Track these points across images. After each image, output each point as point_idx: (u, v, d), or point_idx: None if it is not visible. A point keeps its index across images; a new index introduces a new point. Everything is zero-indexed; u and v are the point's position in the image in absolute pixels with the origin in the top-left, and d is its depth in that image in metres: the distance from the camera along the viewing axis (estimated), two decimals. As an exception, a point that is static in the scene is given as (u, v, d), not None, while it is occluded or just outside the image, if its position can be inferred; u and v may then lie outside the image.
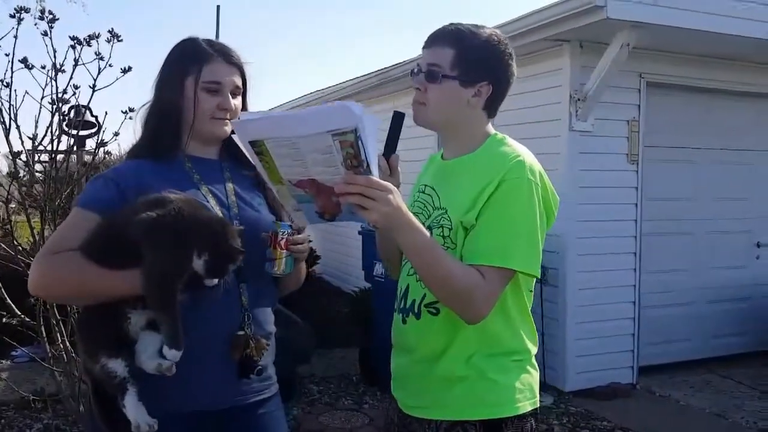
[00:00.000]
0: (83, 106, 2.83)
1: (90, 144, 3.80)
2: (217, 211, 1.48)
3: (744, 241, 5.45)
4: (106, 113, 2.69)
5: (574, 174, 4.52)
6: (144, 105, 1.58)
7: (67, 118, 2.80)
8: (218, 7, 18.34)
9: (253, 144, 1.26)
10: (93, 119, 3.99)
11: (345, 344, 5.37)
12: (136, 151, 1.55)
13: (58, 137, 2.65)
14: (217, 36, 18.80)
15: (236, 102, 1.56)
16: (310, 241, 1.65)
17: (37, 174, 2.66)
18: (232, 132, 1.26)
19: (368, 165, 1.23)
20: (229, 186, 1.55)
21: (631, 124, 4.74)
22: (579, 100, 4.44)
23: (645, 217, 4.83)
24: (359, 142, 1.19)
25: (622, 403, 4.47)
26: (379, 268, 4.46)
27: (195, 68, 1.51)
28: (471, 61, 1.46)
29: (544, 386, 4.57)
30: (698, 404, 4.44)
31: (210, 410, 1.46)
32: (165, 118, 1.52)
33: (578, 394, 4.55)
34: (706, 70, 4.91)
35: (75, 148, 3.01)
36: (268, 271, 1.48)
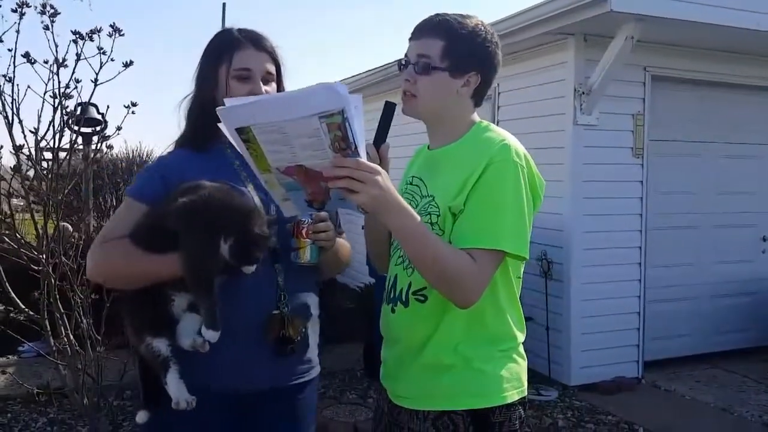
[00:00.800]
0: (89, 103, 2.84)
1: (95, 140, 3.82)
2: (255, 197, 1.51)
3: (750, 236, 5.43)
4: (108, 107, 2.70)
5: (578, 168, 4.50)
6: (186, 97, 1.62)
7: (72, 115, 2.81)
8: (224, 4, 18.33)
9: (240, 131, 1.24)
10: (99, 116, 4.01)
11: (349, 339, 5.37)
12: (180, 142, 1.61)
13: (61, 132, 2.66)
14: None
15: (268, 88, 1.57)
16: (340, 232, 1.66)
17: (40, 170, 2.67)
18: (218, 120, 1.25)
19: (356, 147, 1.22)
20: None
21: (636, 117, 4.71)
22: (583, 93, 4.42)
23: (650, 212, 4.81)
24: (346, 123, 1.17)
25: (627, 398, 4.46)
26: (383, 263, 4.45)
27: (226, 57, 1.54)
28: (460, 52, 1.46)
29: (548, 380, 4.58)
30: (704, 398, 4.42)
31: (249, 390, 1.49)
32: (204, 109, 1.55)
33: (583, 388, 4.54)
34: (712, 64, 4.88)
35: (81, 145, 3.02)
36: (294, 261, 1.51)
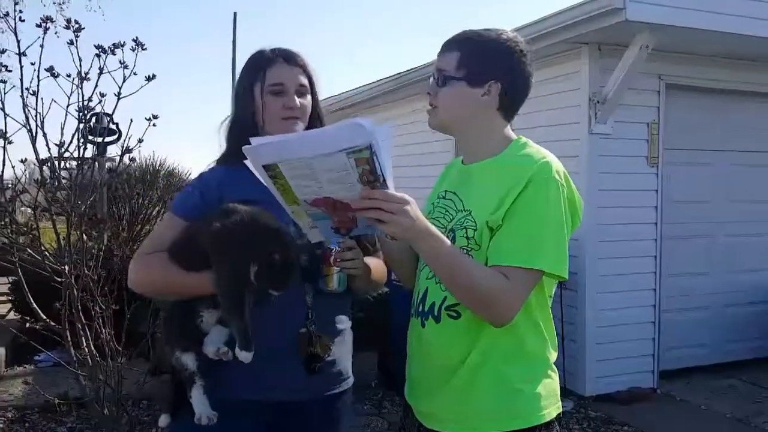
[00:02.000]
0: (105, 113, 2.87)
1: (111, 151, 3.86)
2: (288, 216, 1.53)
3: (765, 244, 5.39)
4: (131, 120, 2.72)
5: (593, 177, 4.50)
6: (226, 119, 1.69)
7: (88, 125, 2.84)
8: (235, 14, 18.44)
9: (267, 168, 1.26)
10: (114, 126, 4.04)
11: (362, 349, 5.32)
12: (220, 160, 1.66)
13: (84, 145, 2.69)
14: (234, 41, 18.76)
15: (303, 101, 1.62)
16: (377, 250, 1.68)
17: (63, 181, 2.70)
18: (244, 157, 1.28)
19: (384, 179, 1.23)
20: None
21: (651, 126, 4.71)
22: (598, 102, 4.42)
23: (665, 220, 4.80)
24: (374, 157, 1.19)
25: (643, 408, 4.43)
26: (397, 273, 4.45)
27: (260, 75, 1.60)
28: (476, 61, 1.46)
29: (564, 391, 4.53)
30: (720, 409, 4.39)
31: (277, 400, 1.52)
32: (242, 127, 1.60)
33: (598, 398, 4.52)
34: (726, 72, 4.87)
35: (96, 155, 3.05)
36: (321, 288, 1.52)
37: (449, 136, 1.65)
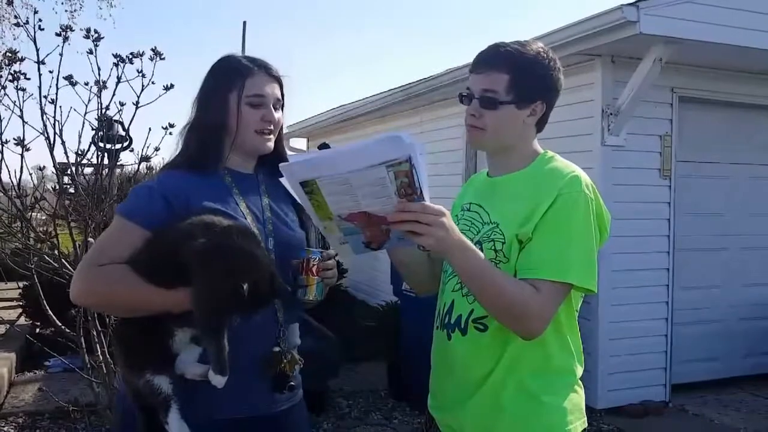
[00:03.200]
0: (115, 120, 2.89)
1: (123, 158, 3.87)
2: (248, 216, 1.50)
3: (778, 258, 5.36)
4: (150, 129, 2.74)
5: (606, 189, 4.47)
6: (187, 123, 1.58)
7: (100, 132, 2.86)
8: (244, 23, 18.54)
9: (304, 184, 1.26)
10: (124, 133, 4.06)
11: (372, 358, 5.35)
12: (176, 163, 1.55)
13: (102, 153, 2.70)
14: (243, 51, 19.01)
15: (278, 115, 1.57)
16: (340, 265, 1.65)
17: (80, 186, 2.72)
18: (280, 175, 1.27)
19: (421, 191, 1.24)
20: (265, 201, 1.56)
21: (664, 138, 4.70)
22: (611, 114, 4.42)
23: (678, 233, 4.78)
24: (413, 170, 1.20)
25: (655, 422, 4.40)
26: (408, 283, 4.44)
27: (238, 83, 1.52)
28: (525, 84, 1.46)
29: (575, 403, 4.51)
30: (732, 424, 4.35)
31: (243, 417, 1.48)
32: (208, 134, 1.53)
33: (610, 411, 4.49)
34: (739, 85, 4.86)
35: (107, 162, 3.07)
36: (300, 298, 1.49)
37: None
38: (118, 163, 3.67)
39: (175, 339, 1.37)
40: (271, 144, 1.56)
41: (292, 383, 1.52)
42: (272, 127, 1.56)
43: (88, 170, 2.78)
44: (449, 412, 1.53)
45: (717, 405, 4.69)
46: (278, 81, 1.59)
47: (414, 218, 1.25)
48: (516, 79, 1.45)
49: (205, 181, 1.50)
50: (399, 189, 1.23)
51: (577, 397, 1.48)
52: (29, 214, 2.71)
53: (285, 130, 1.70)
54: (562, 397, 1.44)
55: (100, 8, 11.90)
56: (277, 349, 1.50)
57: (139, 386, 1.36)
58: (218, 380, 1.31)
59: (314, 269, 1.47)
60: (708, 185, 5.04)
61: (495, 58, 1.47)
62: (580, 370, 1.50)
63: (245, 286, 1.28)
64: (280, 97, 1.58)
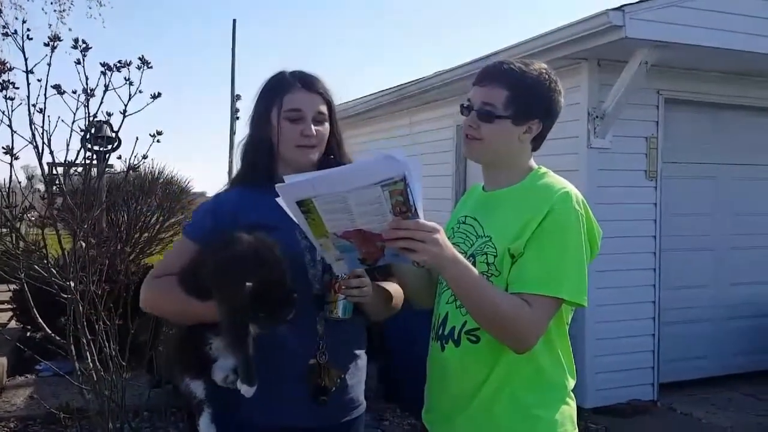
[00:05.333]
0: (104, 121, 2.90)
1: (112, 160, 3.87)
2: (303, 240, 1.51)
3: (765, 257, 5.41)
4: (137, 139, 2.76)
5: (592, 191, 4.51)
6: (242, 140, 1.68)
7: (88, 134, 2.87)
8: (234, 21, 18.46)
9: (300, 204, 1.29)
10: (113, 135, 4.06)
11: (363, 360, 5.37)
12: (236, 181, 1.66)
13: (91, 157, 2.72)
14: (233, 49, 18.67)
15: (320, 128, 1.60)
16: (391, 274, 1.64)
17: (68, 192, 2.73)
18: (276, 195, 1.30)
19: (416, 209, 1.26)
20: None
21: (650, 140, 4.74)
22: (597, 117, 4.46)
23: (664, 233, 4.83)
24: (407, 188, 1.22)
25: (643, 421, 4.44)
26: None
27: (278, 99, 1.58)
28: (523, 101, 1.49)
29: (563, 403, 4.55)
30: (720, 423, 4.40)
31: (293, 427, 1.52)
32: (258, 151, 1.61)
33: (598, 411, 4.53)
34: (725, 86, 4.91)
35: (98, 163, 3.08)
36: (326, 316, 1.52)
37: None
38: (107, 166, 3.68)
39: (211, 346, 1.47)
40: (313, 157, 1.59)
41: (325, 397, 1.52)
42: (313, 142, 1.58)
43: (77, 170, 2.79)
44: (442, 424, 1.55)
45: (705, 403, 4.74)
46: (321, 93, 1.61)
47: (409, 235, 1.27)
48: (515, 96, 1.48)
49: (260, 197, 1.54)
50: (394, 207, 1.25)
51: (569, 409, 1.50)
52: (18, 223, 2.72)
53: None
54: (554, 410, 1.46)
55: (90, 8, 11.86)
56: (312, 361, 1.52)
57: (182, 389, 1.50)
58: (246, 389, 1.40)
59: (336, 287, 1.49)
60: (694, 186, 5.10)
61: (497, 73, 1.51)
62: (572, 383, 1.52)
63: (248, 285, 1.33)
64: (323, 110, 1.61)
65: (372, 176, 1.22)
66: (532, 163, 1.58)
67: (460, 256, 1.37)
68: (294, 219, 1.34)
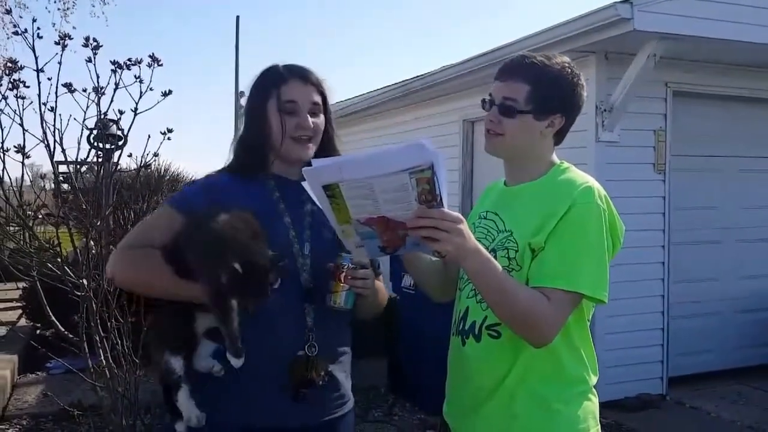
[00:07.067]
0: (110, 119, 2.90)
1: (117, 156, 3.88)
2: (291, 231, 1.53)
3: (773, 250, 5.41)
4: (149, 136, 2.76)
5: (600, 184, 4.49)
6: (238, 133, 1.67)
7: (94, 131, 2.88)
8: (237, 17, 18.47)
9: (326, 188, 1.28)
10: (119, 132, 4.07)
11: (371, 355, 5.36)
12: (228, 169, 1.64)
13: (103, 160, 2.73)
14: (236, 45, 18.68)
15: (316, 120, 1.59)
16: (378, 273, 1.62)
17: (79, 190, 2.74)
18: (302, 179, 1.30)
19: (441, 198, 1.26)
20: (308, 208, 1.56)
21: (658, 133, 4.73)
22: (605, 110, 4.45)
23: (673, 227, 4.82)
24: (435, 177, 1.22)
25: (652, 415, 4.45)
26: (407, 280, 4.48)
27: (273, 92, 1.57)
28: (545, 96, 1.48)
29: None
30: (730, 416, 4.40)
31: (276, 426, 1.49)
32: (252, 142, 1.60)
33: (607, 405, 4.52)
34: (733, 79, 4.89)
35: (105, 161, 3.08)
36: (328, 304, 1.49)
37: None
38: (114, 164, 3.69)
39: (196, 324, 1.46)
40: (309, 150, 1.58)
41: (308, 391, 1.48)
42: (310, 134, 1.58)
43: (86, 167, 2.79)
44: (462, 419, 1.55)
45: (714, 397, 4.74)
46: (315, 85, 1.61)
47: (433, 224, 1.26)
48: (536, 91, 1.47)
49: (249, 186, 1.56)
50: (420, 195, 1.25)
51: (591, 405, 1.49)
52: (31, 222, 2.73)
53: None
54: (575, 405, 1.46)
55: (93, 6, 11.86)
56: (301, 353, 1.49)
57: (161, 365, 1.47)
58: (234, 361, 1.39)
59: (342, 276, 1.47)
60: (702, 179, 5.08)
61: (518, 68, 1.50)
62: (594, 379, 1.51)
63: (226, 276, 1.33)
64: (317, 101, 1.60)
65: (401, 163, 1.21)
66: (554, 157, 1.57)
67: (482, 248, 1.37)
68: (318, 203, 1.34)
